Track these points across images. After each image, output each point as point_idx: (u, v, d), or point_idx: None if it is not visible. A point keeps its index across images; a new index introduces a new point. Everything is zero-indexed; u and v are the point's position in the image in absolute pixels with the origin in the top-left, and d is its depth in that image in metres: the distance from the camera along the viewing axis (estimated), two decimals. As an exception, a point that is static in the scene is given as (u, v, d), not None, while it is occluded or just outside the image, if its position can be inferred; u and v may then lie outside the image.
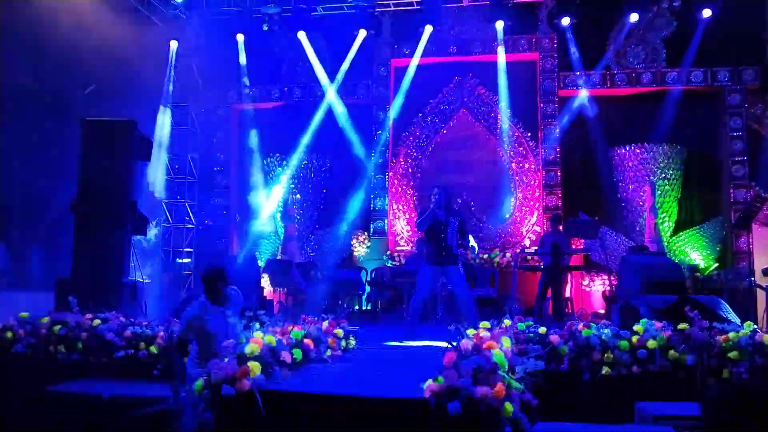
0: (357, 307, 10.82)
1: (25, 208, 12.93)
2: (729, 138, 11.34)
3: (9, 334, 6.18)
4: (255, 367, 3.55)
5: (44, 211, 13.10)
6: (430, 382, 3.33)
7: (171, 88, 12.56)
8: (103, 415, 4.76)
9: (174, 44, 12.40)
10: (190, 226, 12.88)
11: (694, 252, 11.16)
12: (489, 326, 4.69)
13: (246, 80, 12.73)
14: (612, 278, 9.84)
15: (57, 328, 6.13)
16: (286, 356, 4.09)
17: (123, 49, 11.40)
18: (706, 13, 11.03)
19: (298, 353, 4.31)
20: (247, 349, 3.71)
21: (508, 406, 3.27)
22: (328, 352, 4.93)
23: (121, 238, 7.80)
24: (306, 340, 4.61)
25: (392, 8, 12.32)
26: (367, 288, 11.10)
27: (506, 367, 3.59)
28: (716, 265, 11.03)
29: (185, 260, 12.68)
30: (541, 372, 4.15)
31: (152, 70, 12.29)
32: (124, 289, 7.60)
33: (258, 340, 3.93)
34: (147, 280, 9.92)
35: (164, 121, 12.39)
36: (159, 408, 4.40)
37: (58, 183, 12.95)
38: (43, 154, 12.87)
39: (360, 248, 12.21)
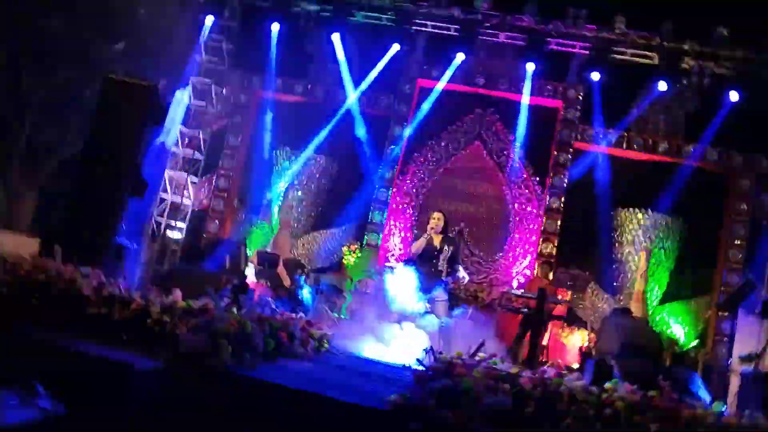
0: (336, 315, 10.78)
1: (29, 153, 12.91)
2: (732, 221, 11.40)
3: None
4: (226, 347, 3.55)
5: (46, 157, 13.08)
6: (395, 396, 3.33)
7: (198, 62, 12.59)
8: (64, 366, 4.71)
9: (209, 20, 12.44)
10: (188, 201, 12.84)
11: (677, 325, 11.17)
12: (462, 355, 4.68)
13: (273, 70, 12.76)
14: (591, 335, 9.83)
15: (36, 274, 6.08)
16: (258, 343, 4.08)
17: (157, 14, 11.47)
18: (734, 96, 11.12)
19: (270, 343, 4.30)
20: (221, 329, 3.70)
21: (467, 436, 3.27)
22: (300, 350, 4.92)
23: (117, 198, 7.77)
24: (281, 333, 4.60)
25: (429, 29, 12.41)
26: (349, 297, 11.07)
27: (472, 396, 3.59)
28: (696, 342, 11.03)
29: (175, 235, 12.64)
30: (505, 409, 4.13)
31: (183, 40, 12.32)
32: (110, 249, 7.56)
33: (234, 322, 3.93)
34: (134, 246, 9.89)
35: (184, 93, 12.41)
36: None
37: (67, 135, 12.96)
38: (58, 105, 12.88)
39: (349, 257, 12.19)
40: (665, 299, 11.45)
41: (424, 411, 3.22)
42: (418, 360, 4.35)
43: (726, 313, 10.59)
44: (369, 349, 6.94)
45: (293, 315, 5.59)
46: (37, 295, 5.96)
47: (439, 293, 7.53)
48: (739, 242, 11.26)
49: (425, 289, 7.56)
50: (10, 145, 12.17)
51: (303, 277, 10.73)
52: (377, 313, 7.78)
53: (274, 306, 5.85)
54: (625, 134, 11.93)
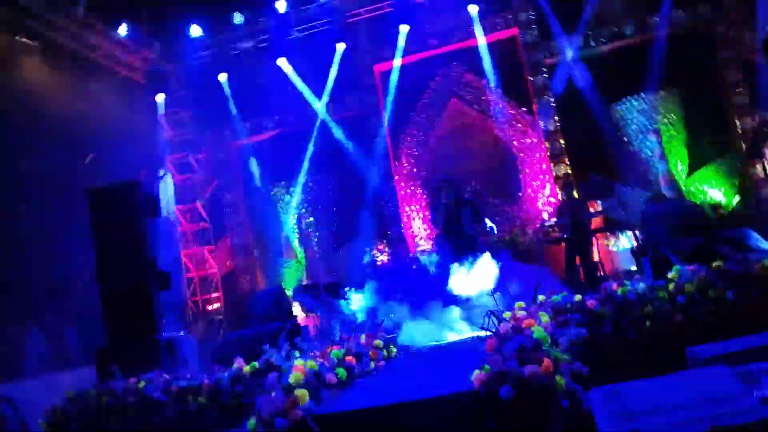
0: (393, 316, 10.77)
1: (49, 289, 13.02)
2: (724, 70, 11.22)
3: (60, 415, 6.22)
4: (303, 394, 3.55)
5: (69, 288, 13.21)
6: (477, 372, 3.31)
7: (167, 139, 12.68)
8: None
9: (160, 97, 12.51)
10: (214, 270, 12.93)
11: (713, 189, 11.05)
12: (523, 305, 4.66)
13: (237, 116, 12.80)
14: (637, 233, 9.74)
15: (105, 398, 6.16)
16: (330, 378, 4.08)
17: (113, 114, 11.54)
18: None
19: (342, 372, 4.31)
20: (292, 379, 3.71)
21: (560, 380, 3.25)
22: (372, 365, 4.92)
23: (147, 298, 7.83)
24: (348, 358, 4.60)
25: (364, 15, 12.38)
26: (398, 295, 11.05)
27: (549, 341, 3.57)
28: (737, 198, 10.91)
29: (214, 306, 12.74)
30: (585, 339, 4.11)
31: (146, 126, 12.41)
32: (161, 347, 7.61)
33: (300, 367, 3.93)
34: (182, 334, 9.97)
35: (166, 174, 12.51)
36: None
37: (77, 257, 13.06)
38: (56, 233, 12.99)
39: (382, 256, 12.21)
40: (692, 170, 11.33)
41: (510, 374, 3.19)
42: (482, 327, 4.35)
43: (755, 159, 10.48)
44: (434, 334, 6.94)
45: (352, 335, 5.59)
46: (113, 418, 6.04)
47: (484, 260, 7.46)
48: (740, 88, 11.08)
49: (464, 258, 7.50)
50: (31, 289, 12.30)
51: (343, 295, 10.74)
52: (427, 299, 7.76)
53: (335, 335, 5.87)
54: (589, 33, 11.79)
